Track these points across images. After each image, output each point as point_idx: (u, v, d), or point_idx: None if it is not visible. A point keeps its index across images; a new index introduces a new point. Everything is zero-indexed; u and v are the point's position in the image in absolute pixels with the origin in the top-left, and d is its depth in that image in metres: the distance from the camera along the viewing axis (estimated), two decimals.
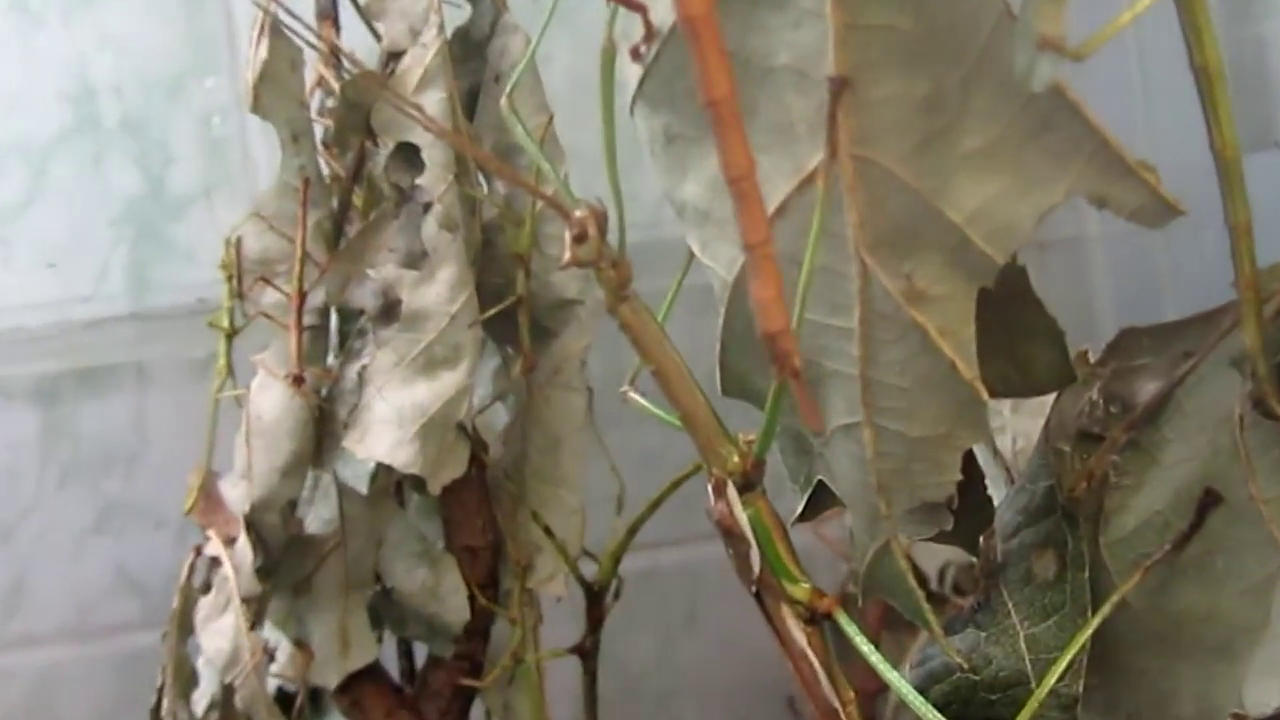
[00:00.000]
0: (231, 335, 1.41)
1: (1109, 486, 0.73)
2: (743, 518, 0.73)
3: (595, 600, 1.48)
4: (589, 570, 1.47)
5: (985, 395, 0.68)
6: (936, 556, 1.41)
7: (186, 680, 1.42)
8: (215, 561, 1.40)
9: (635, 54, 0.71)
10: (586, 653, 1.49)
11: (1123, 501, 0.72)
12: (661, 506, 1.50)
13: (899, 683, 0.73)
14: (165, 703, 1.40)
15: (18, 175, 1.77)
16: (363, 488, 1.37)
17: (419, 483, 1.33)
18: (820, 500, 0.79)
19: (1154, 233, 1.90)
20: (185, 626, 1.42)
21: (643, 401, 0.81)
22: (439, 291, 1.30)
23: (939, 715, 0.70)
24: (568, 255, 0.71)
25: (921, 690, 0.74)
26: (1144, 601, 0.72)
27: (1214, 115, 0.65)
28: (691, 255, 0.78)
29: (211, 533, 1.40)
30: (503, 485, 1.41)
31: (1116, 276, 1.92)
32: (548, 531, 1.40)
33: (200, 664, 1.43)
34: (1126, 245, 1.89)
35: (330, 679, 1.41)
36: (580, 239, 0.70)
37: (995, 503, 0.76)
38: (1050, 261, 1.90)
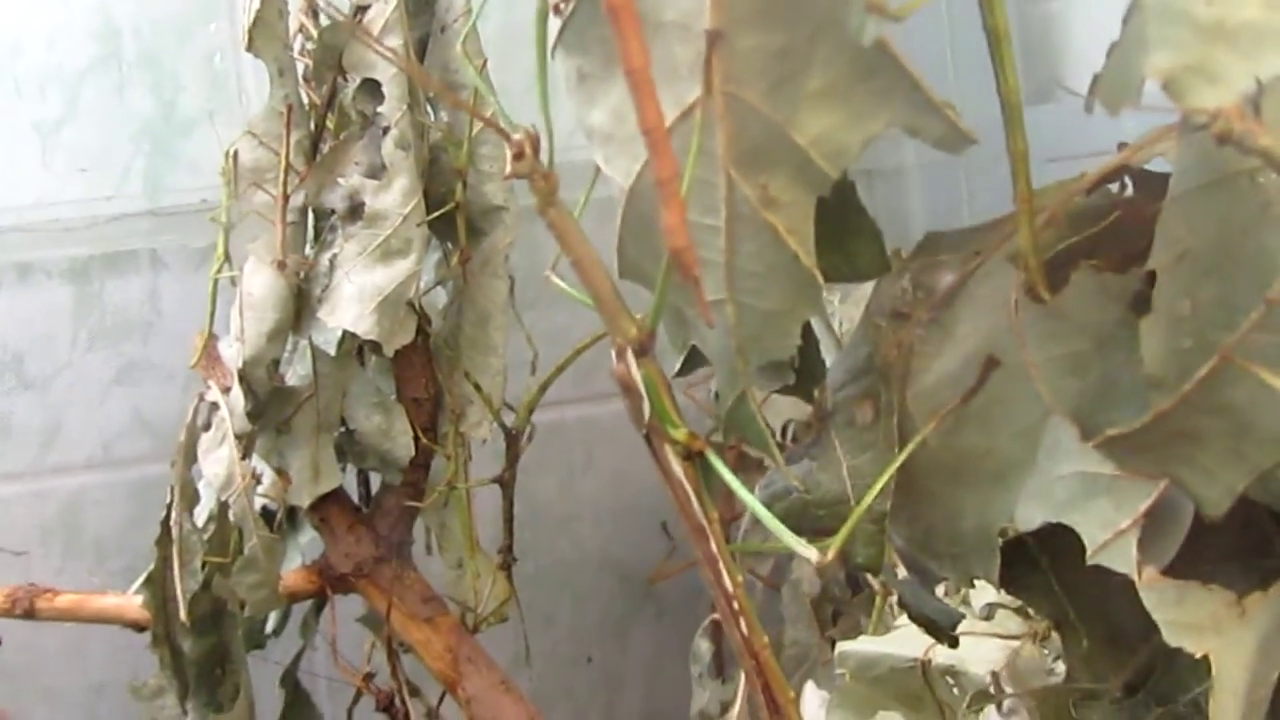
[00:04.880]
0: (228, 228, 1.40)
1: (914, 353, 0.73)
2: (638, 376, 0.74)
3: (513, 442, 1.49)
4: (509, 419, 1.48)
5: (820, 280, 0.70)
6: (781, 415, 1.42)
7: (190, 499, 1.42)
8: (214, 406, 1.40)
9: (557, 10, 0.72)
10: (506, 483, 1.51)
11: (924, 365, 0.73)
12: (565, 372, 1.52)
13: (752, 500, 0.74)
14: (173, 515, 1.41)
15: (55, 98, 1.75)
16: (332, 350, 1.37)
17: (376, 347, 1.34)
18: (693, 361, 0.80)
19: (958, 164, 1.92)
20: (190, 456, 1.42)
21: (562, 284, 0.82)
22: (394, 197, 1.31)
23: (781, 524, 0.72)
24: (508, 169, 0.71)
25: (766, 507, 0.75)
26: (938, 441, 0.73)
27: (1001, 66, 0.66)
28: (597, 173, 0.79)
29: (211, 383, 1.40)
30: (442, 351, 1.41)
31: (928, 198, 1.94)
32: (477, 388, 1.41)
33: (201, 486, 1.44)
34: (936, 174, 1.90)
35: (303, 500, 1.42)
36: (519, 156, 0.71)
37: (827, 364, 0.77)
38: (876, 186, 1.91)
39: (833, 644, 1.22)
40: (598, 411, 1.97)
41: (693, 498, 0.76)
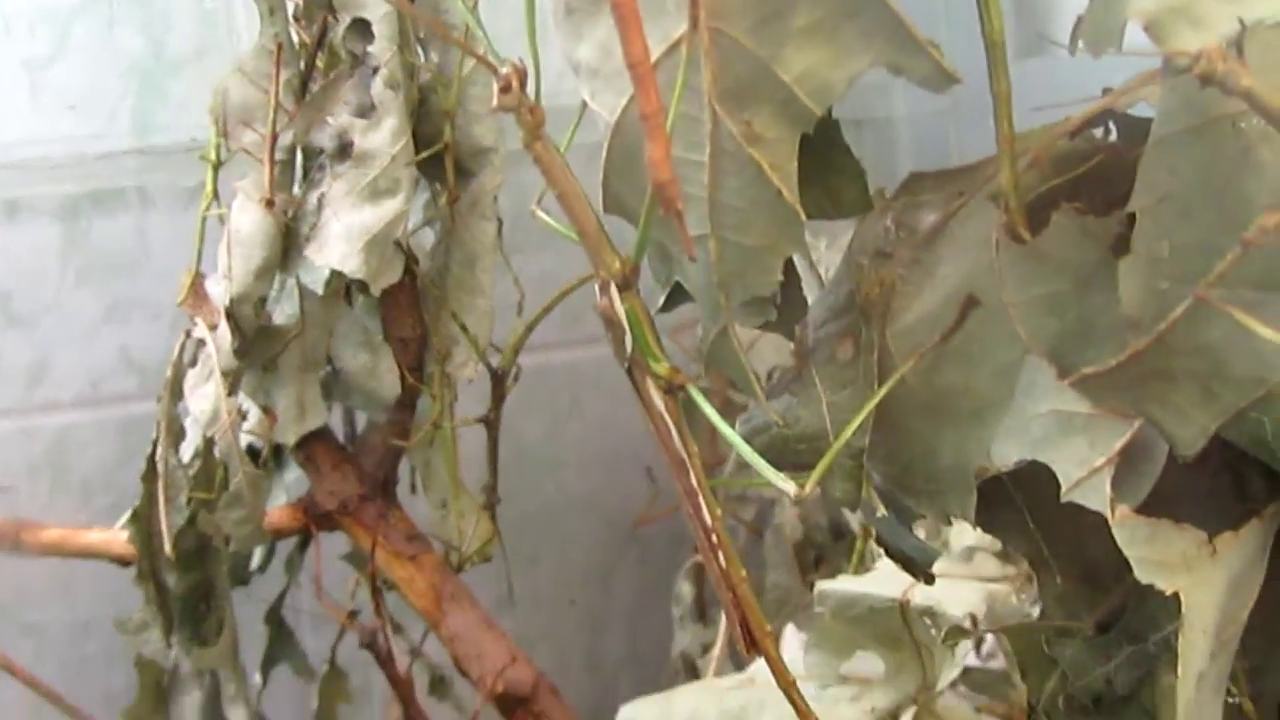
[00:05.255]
0: (217, 167, 1.40)
1: (895, 292, 0.74)
2: (621, 310, 0.74)
3: (499, 382, 1.49)
4: (495, 360, 1.49)
5: (803, 216, 0.70)
6: (766, 361, 1.43)
7: (176, 435, 1.43)
8: (201, 343, 1.40)
9: None
10: (491, 423, 1.51)
11: (905, 303, 0.74)
12: (552, 316, 1.52)
13: (732, 434, 0.75)
14: (159, 451, 1.41)
15: (45, 36, 1.74)
16: (319, 289, 1.37)
17: (363, 286, 1.34)
18: (676, 296, 0.81)
19: (946, 116, 1.91)
20: (176, 392, 1.42)
21: (547, 219, 0.82)
22: (383, 137, 1.31)
23: (761, 459, 0.73)
24: (495, 102, 0.71)
25: (746, 442, 0.76)
26: (917, 379, 0.73)
27: (985, 7, 0.67)
28: (582, 112, 0.79)
29: (199, 320, 1.40)
30: (429, 291, 1.41)
31: (916, 149, 1.94)
32: (463, 328, 1.41)
33: (188, 423, 1.44)
34: (924, 125, 1.90)
35: (289, 437, 1.42)
36: (506, 89, 0.71)
37: (809, 301, 0.78)
38: (865, 136, 1.91)
39: (814, 588, 1.23)
40: (584, 356, 1.97)
41: (674, 432, 0.76)
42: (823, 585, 1.09)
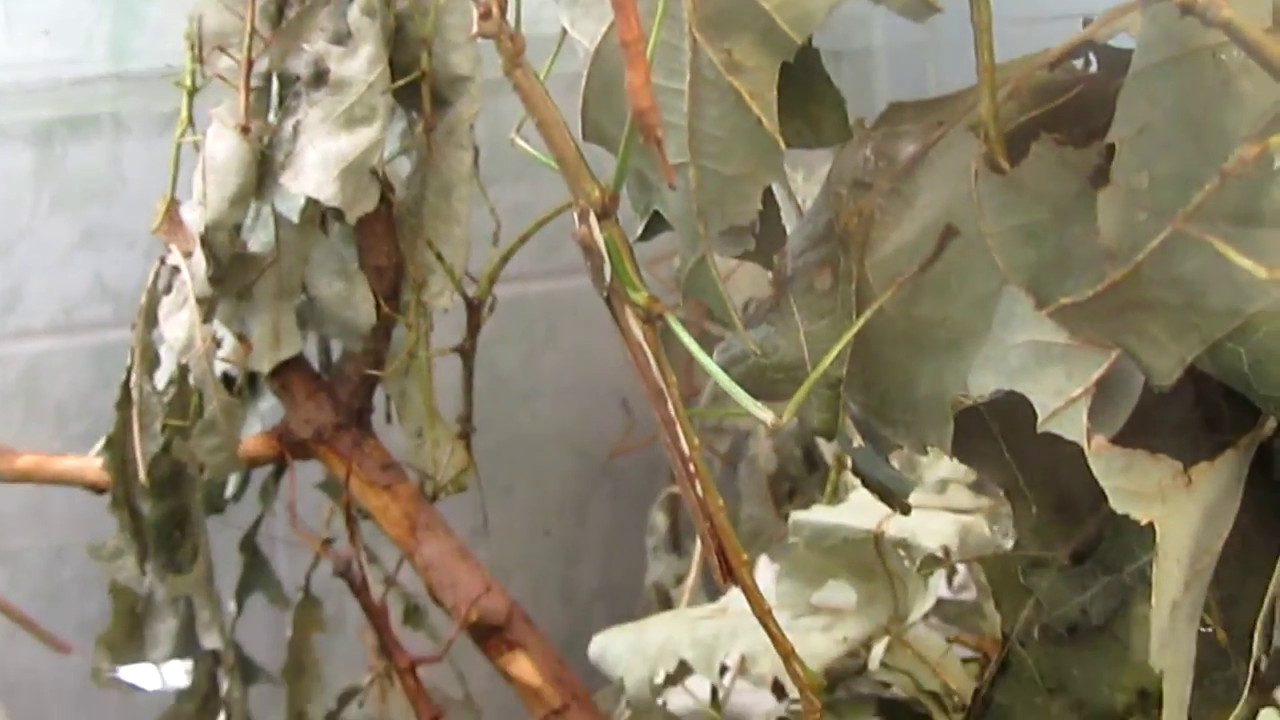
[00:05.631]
0: (193, 93, 1.39)
1: (874, 222, 0.74)
2: (599, 238, 0.74)
3: (474, 311, 1.49)
4: (471, 290, 1.48)
5: (782, 145, 0.70)
6: (742, 294, 1.43)
7: (150, 362, 1.42)
8: (176, 270, 1.40)
9: None
10: (466, 353, 1.51)
11: (883, 234, 0.73)
12: (528, 246, 1.51)
13: (709, 363, 0.75)
14: (133, 378, 1.41)
15: None
16: (294, 217, 1.36)
17: (339, 214, 1.33)
18: (655, 225, 0.81)
19: (925, 47, 1.91)
20: (151, 319, 1.42)
21: (526, 146, 0.82)
22: (359, 64, 1.30)
23: (739, 388, 0.73)
24: (475, 28, 0.71)
25: (724, 371, 0.76)
26: (895, 309, 0.73)
27: None
28: (561, 40, 0.79)
29: (173, 247, 1.40)
30: (405, 220, 1.41)
31: (895, 81, 1.93)
32: (439, 257, 1.40)
33: (162, 350, 1.44)
34: (903, 57, 1.90)
35: (264, 365, 1.42)
36: (486, 16, 0.71)
37: (788, 232, 0.78)
38: (843, 68, 1.91)
39: (789, 520, 1.23)
40: (560, 287, 1.97)
41: (652, 361, 0.76)
42: (798, 515, 1.09)
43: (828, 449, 1.51)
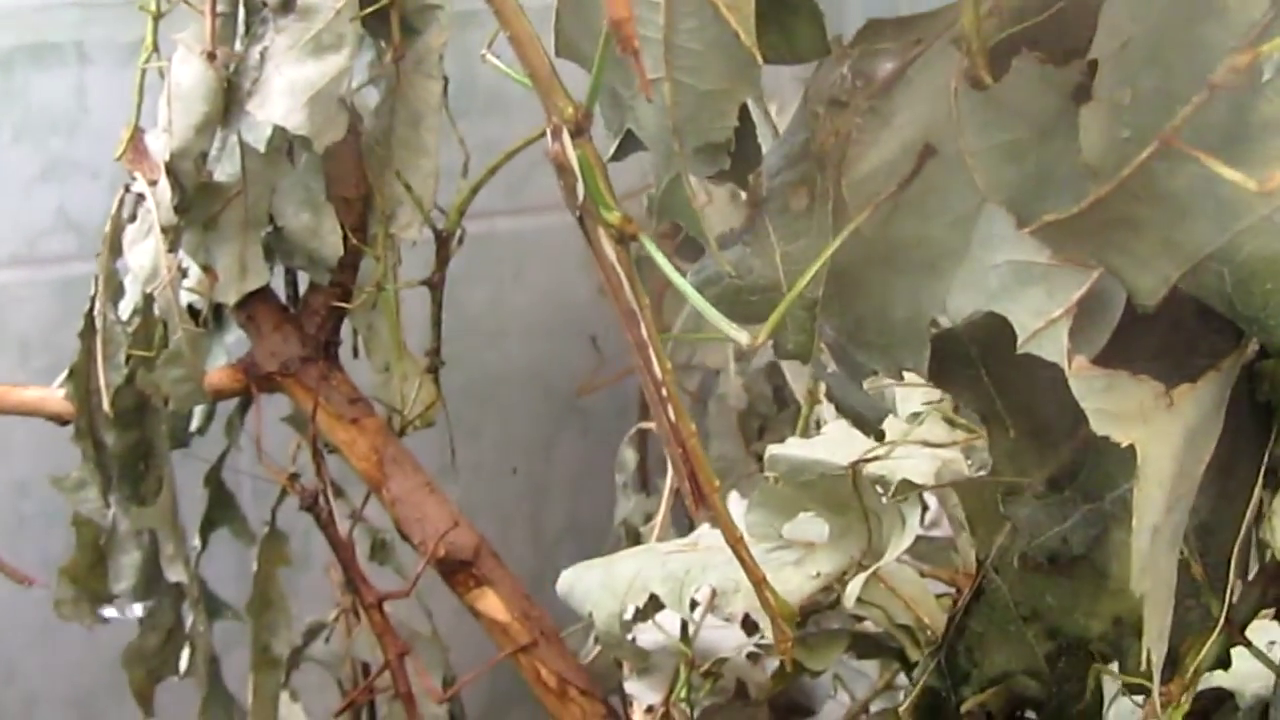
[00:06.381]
0: (158, 18, 1.37)
1: (851, 141, 0.73)
2: (573, 156, 0.73)
3: (443, 244, 1.47)
4: (440, 222, 1.47)
5: (759, 59, 0.69)
6: (714, 228, 1.41)
7: (115, 291, 1.41)
8: (140, 198, 1.38)
9: None
10: (435, 285, 1.49)
11: (861, 153, 0.72)
12: (497, 182, 1.50)
13: (684, 283, 0.74)
14: (97, 306, 1.39)
15: None
16: (261, 146, 1.35)
17: (306, 143, 1.32)
18: (628, 145, 0.79)
19: None
20: (115, 248, 1.40)
21: (498, 62, 0.81)
22: None
23: (714, 310, 0.72)
24: None
25: (698, 292, 0.75)
26: (872, 230, 0.72)
27: None
28: None
29: (138, 175, 1.38)
30: (374, 150, 1.39)
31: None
32: (408, 188, 1.39)
33: (127, 281, 1.42)
34: None
35: (230, 297, 1.40)
36: None
37: (764, 151, 0.77)
38: None
39: (759, 458, 1.22)
40: (529, 224, 1.95)
41: (625, 282, 0.75)
42: (774, 449, 1.08)
43: (798, 386, 1.49)
